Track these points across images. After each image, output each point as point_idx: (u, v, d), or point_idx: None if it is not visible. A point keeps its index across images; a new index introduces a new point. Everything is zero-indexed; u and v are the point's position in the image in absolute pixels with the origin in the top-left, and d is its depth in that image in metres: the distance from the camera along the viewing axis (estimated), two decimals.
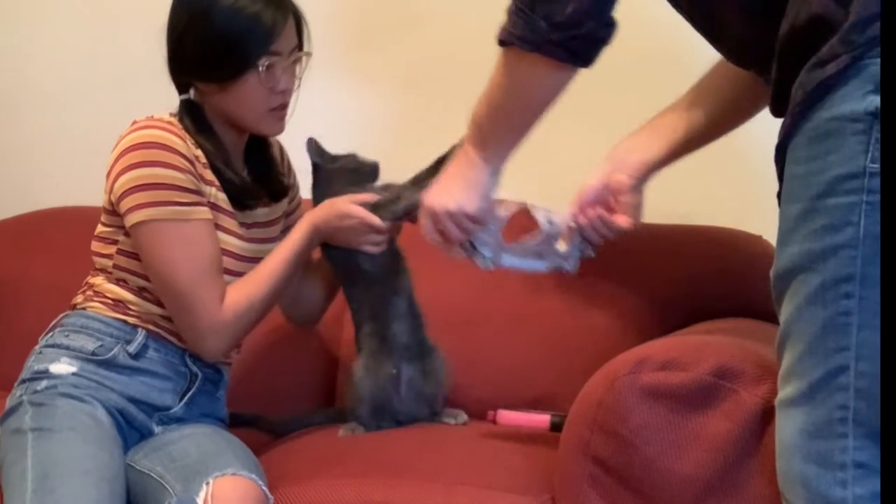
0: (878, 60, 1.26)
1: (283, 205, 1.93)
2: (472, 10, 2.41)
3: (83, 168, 2.54)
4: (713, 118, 1.77)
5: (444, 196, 1.66)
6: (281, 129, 1.85)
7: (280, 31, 1.76)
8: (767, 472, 1.41)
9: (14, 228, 2.45)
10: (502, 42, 1.53)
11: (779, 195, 1.39)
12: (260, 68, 1.75)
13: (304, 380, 2.16)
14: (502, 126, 1.62)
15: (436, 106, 2.45)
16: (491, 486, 1.61)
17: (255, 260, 1.83)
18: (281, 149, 1.97)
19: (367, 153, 2.51)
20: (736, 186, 2.14)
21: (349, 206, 1.82)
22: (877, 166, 1.25)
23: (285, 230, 1.91)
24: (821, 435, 1.30)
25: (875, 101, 1.25)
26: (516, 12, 1.50)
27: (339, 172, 1.89)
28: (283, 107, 1.82)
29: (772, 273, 1.36)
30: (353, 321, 1.93)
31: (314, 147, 1.90)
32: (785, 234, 1.34)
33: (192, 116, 1.80)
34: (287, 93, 1.81)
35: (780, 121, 1.54)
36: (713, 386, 1.48)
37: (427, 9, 2.44)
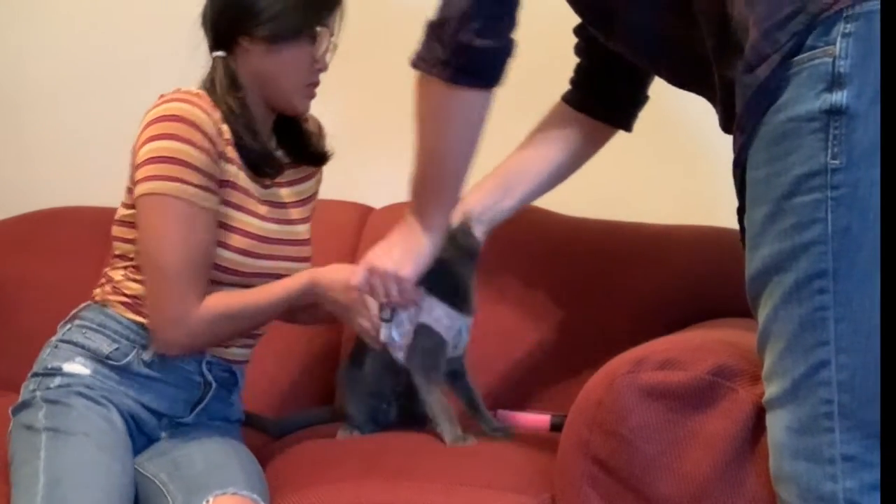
0: (823, 59, 1.30)
1: (313, 185, 1.91)
2: None
3: (83, 168, 2.55)
4: (554, 170, 1.88)
5: (385, 256, 1.72)
6: (307, 109, 1.84)
7: (336, 8, 1.78)
8: (766, 471, 1.41)
9: (14, 228, 2.45)
10: (413, 65, 1.58)
11: (738, 211, 1.42)
12: (317, 35, 1.75)
13: (304, 380, 2.16)
14: (430, 178, 1.67)
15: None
16: (491, 486, 1.61)
17: (280, 242, 1.80)
18: (319, 127, 1.94)
19: (367, 157, 2.51)
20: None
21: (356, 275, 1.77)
22: (837, 162, 1.28)
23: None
24: (807, 431, 1.31)
25: (829, 98, 1.29)
26: (423, 33, 1.56)
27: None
28: (316, 85, 1.81)
29: (746, 277, 1.38)
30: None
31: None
32: (754, 238, 1.37)
33: (227, 74, 1.76)
34: (322, 72, 1.81)
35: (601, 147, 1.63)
36: (712, 385, 1.48)
37: (429, 10, 2.44)
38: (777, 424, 1.35)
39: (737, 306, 1.90)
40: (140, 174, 1.70)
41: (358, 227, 2.32)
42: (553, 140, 1.87)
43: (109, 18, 2.56)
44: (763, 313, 1.36)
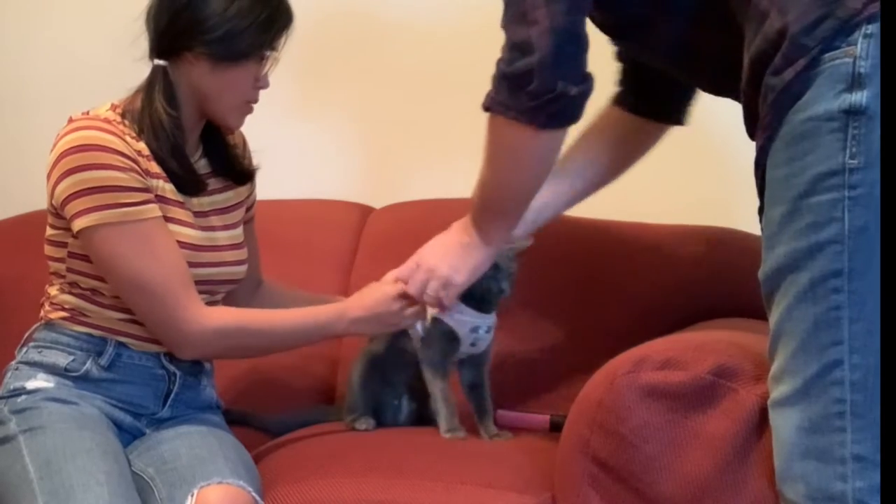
0: (844, 59, 1.30)
1: (245, 190, 1.89)
2: (475, 10, 2.41)
3: None
4: (604, 171, 1.88)
5: (441, 259, 1.73)
6: (241, 125, 1.83)
7: (287, 29, 1.76)
8: (767, 471, 1.41)
9: (14, 228, 2.45)
10: (487, 108, 1.57)
11: (760, 211, 1.41)
12: (264, 60, 1.75)
13: (304, 380, 2.16)
14: (498, 205, 1.68)
15: (437, 108, 2.45)
16: (491, 486, 1.61)
17: (215, 248, 1.79)
18: (244, 140, 1.92)
19: (367, 157, 2.51)
20: (735, 187, 2.14)
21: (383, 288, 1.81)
22: (855, 162, 1.28)
23: (248, 221, 1.91)
24: (818, 430, 1.31)
25: (848, 98, 1.29)
26: (499, 79, 1.54)
27: None
28: (254, 102, 1.79)
29: (760, 276, 1.38)
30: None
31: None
32: (770, 237, 1.36)
33: (165, 85, 1.74)
34: (263, 89, 1.79)
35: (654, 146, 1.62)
36: (712, 385, 1.48)
37: (430, 9, 2.45)
38: (786, 423, 1.35)
39: (737, 306, 1.91)
40: (72, 209, 1.67)
41: (358, 227, 2.32)
42: (605, 142, 1.86)
43: (110, 18, 2.56)
44: (776, 312, 1.35)
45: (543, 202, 1.80)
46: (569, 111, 1.54)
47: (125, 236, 1.67)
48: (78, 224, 1.67)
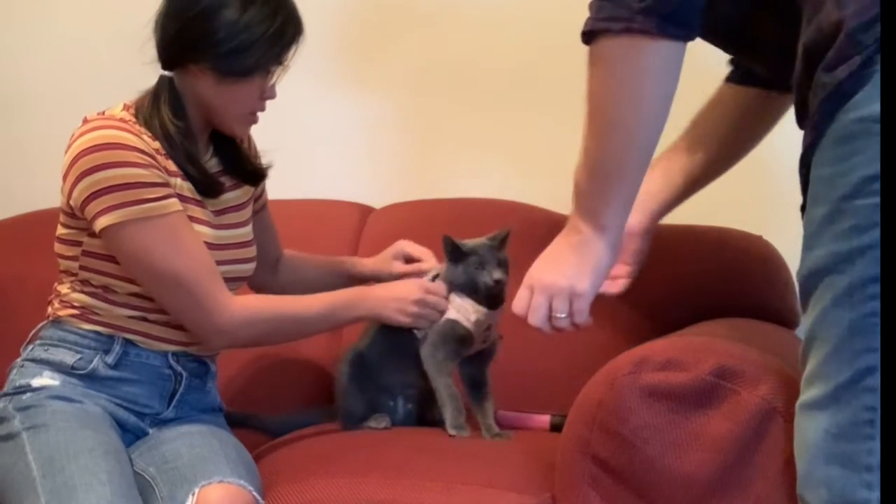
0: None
1: (245, 192, 1.89)
2: (474, 9, 2.41)
3: None
4: (719, 153, 1.81)
5: (553, 271, 1.57)
6: (246, 134, 1.85)
7: (296, 42, 1.76)
8: (768, 472, 1.41)
9: (14, 228, 2.45)
10: (589, 33, 1.44)
11: (802, 208, 1.37)
12: (271, 73, 1.75)
13: (304, 380, 2.16)
14: (612, 163, 1.50)
15: (436, 108, 2.45)
16: (491, 486, 1.61)
17: (229, 247, 1.80)
18: (249, 136, 1.92)
19: (367, 157, 2.52)
20: (737, 187, 2.15)
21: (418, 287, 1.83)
22: None
23: (257, 213, 1.91)
24: (846, 437, 1.27)
25: None
26: None
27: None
28: (261, 110, 1.80)
29: (797, 276, 1.34)
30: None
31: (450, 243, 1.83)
32: (810, 237, 1.32)
33: (171, 96, 1.75)
34: (270, 99, 1.79)
35: (780, 118, 1.55)
36: (713, 386, 1.48)
37: (429, 9, 2.45)
38: (813, 427, 1.31)
39: (739, 306, 1.91)
40: (94, 208, 1.67)
41: (358, 227, 2.32)
42: (719, 119, 1.78)
43: (112, 18, 2.56)
44: (812, 314, 1.31)
45: (657, 185, 1.71)
46: (683, 11, 1.40)
47: (152, 231, 1.68)
48: (101, 223, 1.67)
